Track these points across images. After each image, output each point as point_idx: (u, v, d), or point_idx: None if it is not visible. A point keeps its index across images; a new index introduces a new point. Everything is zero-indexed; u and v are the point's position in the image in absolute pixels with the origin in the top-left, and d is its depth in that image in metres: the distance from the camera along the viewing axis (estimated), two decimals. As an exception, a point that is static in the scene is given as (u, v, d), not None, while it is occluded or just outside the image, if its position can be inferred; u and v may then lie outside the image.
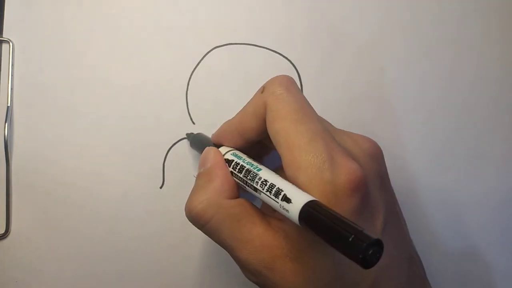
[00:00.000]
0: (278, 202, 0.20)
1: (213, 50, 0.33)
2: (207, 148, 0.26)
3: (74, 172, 0.32)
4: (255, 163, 0.24)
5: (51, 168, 0.31)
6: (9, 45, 0.32)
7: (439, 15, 0.34)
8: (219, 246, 0.24)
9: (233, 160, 0.24)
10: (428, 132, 0.33)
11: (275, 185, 0.21)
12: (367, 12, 0.33)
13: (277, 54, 0.33)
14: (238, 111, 0.26)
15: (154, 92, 0.32)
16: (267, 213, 0.24)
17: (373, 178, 0.23)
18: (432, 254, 0.32)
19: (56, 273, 0.31)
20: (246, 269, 0.23)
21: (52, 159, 0.31)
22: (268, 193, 0.21)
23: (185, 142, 0.32)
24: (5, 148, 0.31)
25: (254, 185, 0.22)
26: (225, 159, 0.25)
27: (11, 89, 0.32)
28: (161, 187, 0.32)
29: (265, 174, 0.22)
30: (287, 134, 0.22)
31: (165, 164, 0.32)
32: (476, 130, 0.33)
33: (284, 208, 0.20)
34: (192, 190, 0.25)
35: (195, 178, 0.26)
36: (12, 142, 0.32)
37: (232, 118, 0.26)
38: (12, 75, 0.32)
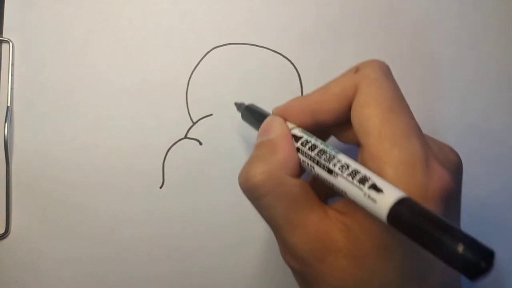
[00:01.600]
0: (362, 190, 0.18)
1: (213, 50, 0.33)
2: (272, 117, 0.24)
3: (74, 172, 0.32)
4: (330, 146, 0.21)
5: (51, 168, 0.31)
6: (9, 45, 0.32)
7: (439, 15, 0.34)
8: (267, 224, 0.22)
9: (302, 137, 0.22)
10: (428, 132, 0.33)
11: (359, 171, 0.19)
12: (367, 12, 0.33)
13: (277, 54, 0.33)
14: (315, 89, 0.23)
15: (154, 92, 0.32)
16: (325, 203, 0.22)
17: (456, 192, 0.21)
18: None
19: (56, 273, 0.31)
20: (292, 253, 0.22)
21: (52, 159, 0.31)
22: (349, 178, 0.19)
23: (185, 142, 0.32)
24: (5, 148, 0.31)
25: (331, 166, 0.20)
26: (292, 134, 0.23)
27: (11, 89, 0.32)
28: (161, 187, 0.32)
29: (346, 158, 0.20)
30: (380, 122, 0.20)
31: (165, 164, 0.32)
32: (476, 130, 0.33)
33: (370, 197, 0.18)
34: (250, 158, 0.22)
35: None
36: (12, 142, 0.32)
37: (306, 96, 0.23)
38: (12, 75, 0.32)
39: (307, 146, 0.22)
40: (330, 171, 0.20)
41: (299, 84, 0.33)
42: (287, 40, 0.33)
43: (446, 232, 0.15)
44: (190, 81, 0.32)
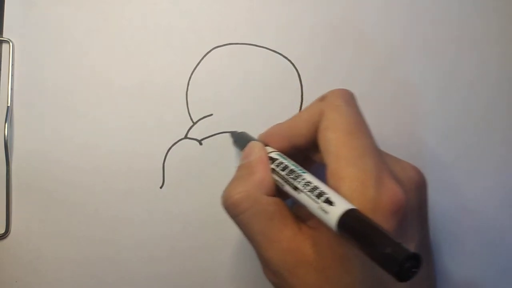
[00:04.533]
0: (318, 203, 0.21)
1: (213, 50, 0.33)
2: (253, 142, 0.27)
3: (74, 172, 0.32)
4: (299, 167, 0.24)
5: (51, 168, 0.31)
6: (9, 45, 0.32)
7: (439, 14, 0.34)
8: (247, 241, 0.24)
9: (277, 159, 0.25)
10: (428, 131, 0.33)
11: (318, 188, 0.21)
12: (367, 12, 0.33)
13: (277, 54, 0.33)
14: (289, 117, 0.26)
15: (154, 92, 0.32)
16: (298, 218, 0.24)
17: (413, 206, 0.23)
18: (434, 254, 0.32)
19: (56, 273, 0.31)
20: (268, 267, 0.23)
21: (52, 159, 0.31)
22: (309, 193, 0.21)
23: (185, 142, 0.32)
24: (5, 148, 0.31)
25: (296, 184, 0.22)
26: (269, 157, 0.25)
27: (11, 89, 0.32)
28: (161, 187, 0.32)
29: (309, 177, 0.23)
30: (338, 144, 0.22)
31: (165, 164, 0.32)
32: (476, 130, 0.33)
33: (323, 210, 0.20)
34: (232, 180, 0.25)
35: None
36: (12, 142, 0.32)
37: (284, 122, 0.26)
38: (12, 75, 0.32)
39: (280, 167, 0.24)
40: (295, 188, 0.22)
41: (299, 84, 0.33)
42: (287, 40, 0.33)
43: (379, 237, 0.18)
44: (190, 81, 0.32)
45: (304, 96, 0.32)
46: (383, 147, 0.24)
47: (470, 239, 0.33)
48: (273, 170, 0.24)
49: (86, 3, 0.32)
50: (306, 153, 0.26)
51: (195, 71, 0.32)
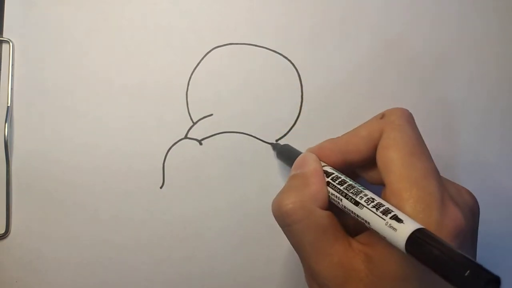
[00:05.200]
0: (385, 220, 0.20)
1: (213, 50, 0.33)
2: (307, 153, 0.26)
3: (74, 172, 0.32)
4: (357, 183, 0.24)
5: (51, 168, 0.31)
6: (9, 45, 0.32)
7: (438, 14, 0.34)
8: (293, 249, 0.24)
9: (333, 173, 0.24)
10: (428, 131, 0.33)
11: (383, 204, 0.21)
12: (367, 12, 0.33)
13: (277, 54, 0.33)
14: (346, 132, 0.26)
15: (154, 92, 0.32)
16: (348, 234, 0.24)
17: (469, 232, 0.23)
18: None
19: (55, 273, 0.31)
20: (316, 280, 0.23)
21: (52, 159, 0.31)
22: (374, 209, 0.21)
23: (185, 142, 0.32)
24: (5, 148, 0.31)
25: (357, 199, 0.22)
26: (324, 170, 0.25)
27: (11, 89, 0.32)
28: (161, 187, 0.32)
29: (370, 193, 0.22)
30: (402, 164, 0.22)
31: (165, 164, 0.32)
32: (476, 130, 0.33)
33: (391, 226, 0.20)
34: (283, 189, 0.25)
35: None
36: (12, 142, 0.32)
37: (339, 137, 0.26)
38: (12, 75, 0.32)
39: (337, 181, 0.24)
40: (356, 203, 0.22)
41: (299, 84, 0.33)
42: (287, 40, 0.33)
43: (456, 259, 0.17)
44: (190, 81, 0.32)
45: (304, 96, 0.32)
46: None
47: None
48: (328, 183, 0.24)
49: (86, 3, 0.32)
50: (355, 170, 0.26)
51: (195, 71, 0.32)
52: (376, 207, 0.21)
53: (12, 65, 0.32)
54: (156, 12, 0.33)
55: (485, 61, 0.33)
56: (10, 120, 0.31)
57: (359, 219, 0.22)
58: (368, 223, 0.21)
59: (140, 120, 0.32)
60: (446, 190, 0.22)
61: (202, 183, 0.32)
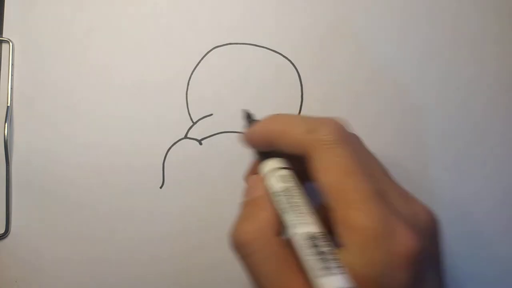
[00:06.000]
0: (318, 270, 0.20)
1: (213, 50, 0.33)
2: (253, 177, 0.25)
3: (74, 172, 0.32)
4: (304, 204, 0.22)
5: (51, 168, 0.31)
6: (9, 45, 0.32)
7: (437, 14, 0.34)
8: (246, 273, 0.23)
9: (279, 192, 0.23)
10: (428, 130, 0.33)
11: (324, 252, 0.20)
12: (366, 11, 0.33)
13: (277, 54, 0.33)
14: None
15: (154, 92, 0.32)
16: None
17: (428, 257, 0.21)
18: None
19: (56, 273, 0.31)
20: None
21: (52, 159, 0.32)
22: (313, 256, 0.20)
23: (185, 142, 0.32)
24: (5, 148, 0.31)
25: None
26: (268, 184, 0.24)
27: (11, 89, 0.32)
28: (161, 187, 0.32)
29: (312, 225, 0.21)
30: (337, 189, 0.20)
31: (165, 164, 0.32)
32: (476, 130, 0.33)
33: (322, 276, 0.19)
34: (238, 218, 0.23)
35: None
36: (12, 142, 0.32)
37: (273, 129, 0.24)
38: (12, 75, 0.32)
39: (285, 199, 0.22)
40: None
41: (299, 84, 0.33)
42: (287, 40, 0.33)
43: None
44: (190, 81, 0.32)
45: (304, 96, 0.32)
46: (382, 148, 0.24)
47: (470, 239, 0.33)
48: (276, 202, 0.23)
49: (86, 3, 0.32)
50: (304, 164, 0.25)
51: (195, 71, 0.32)
52: (319, 254, 0.20)
53: (12, 65, 0.32)
54: (156, 12, 0.33)
55: (485, 61, 0.33)
56: (10, 120, 0.31)
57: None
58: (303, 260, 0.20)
59: (140, 119, 0.32)
60: (394, 211, 0.20)
61: (202, 183, 0.32)
